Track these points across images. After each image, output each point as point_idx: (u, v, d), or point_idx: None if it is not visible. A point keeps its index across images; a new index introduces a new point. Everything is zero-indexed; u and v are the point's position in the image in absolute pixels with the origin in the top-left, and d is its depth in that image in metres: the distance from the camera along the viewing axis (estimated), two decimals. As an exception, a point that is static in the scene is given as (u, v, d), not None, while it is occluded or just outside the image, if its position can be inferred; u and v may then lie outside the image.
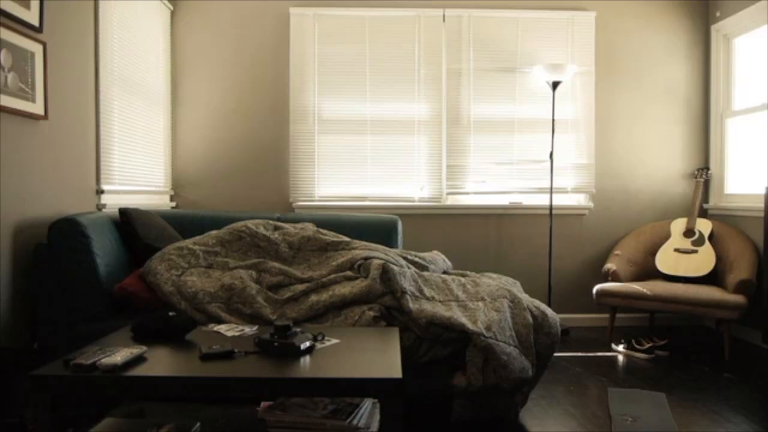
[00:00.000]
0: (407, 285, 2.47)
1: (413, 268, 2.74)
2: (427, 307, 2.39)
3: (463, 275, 2.95)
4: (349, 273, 2.60)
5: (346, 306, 2.42)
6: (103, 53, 3.20)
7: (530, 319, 2.46)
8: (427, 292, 2.53)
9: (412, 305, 2.37)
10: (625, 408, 2.59)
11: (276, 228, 2.99)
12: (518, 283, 2.89)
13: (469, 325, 2.30)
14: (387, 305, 2.42)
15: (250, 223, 2.94)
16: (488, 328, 2.33)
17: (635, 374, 3.17)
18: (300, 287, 2.53)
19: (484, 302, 2.51)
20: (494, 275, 2.95)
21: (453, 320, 2.30)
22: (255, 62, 4.23)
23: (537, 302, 2.60)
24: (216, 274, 2.59)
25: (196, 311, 2.40)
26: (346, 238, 2.95)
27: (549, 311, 2.56)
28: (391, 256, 2.73)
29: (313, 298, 2.46)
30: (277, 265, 2.67)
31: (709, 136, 4.39)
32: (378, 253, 2.71)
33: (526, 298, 2.60)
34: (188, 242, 2.74)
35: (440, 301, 2.49)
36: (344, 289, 2.47)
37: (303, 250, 2.87)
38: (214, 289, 2.46)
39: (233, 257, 2.76)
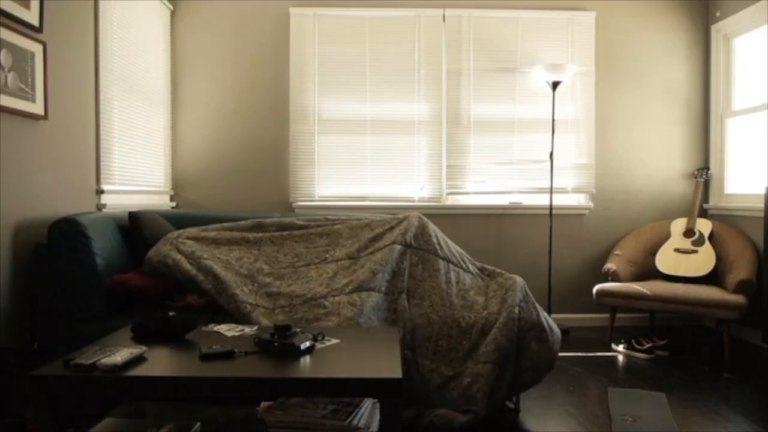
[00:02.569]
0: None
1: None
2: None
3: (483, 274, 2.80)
4: (345, 263, 2.61)
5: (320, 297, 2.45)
6: (103, 53, 3.20)
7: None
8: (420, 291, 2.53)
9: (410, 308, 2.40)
10: (625, 408, 2.59)
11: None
12: (525, 287, 2.78)
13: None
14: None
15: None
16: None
17: (635, 374, 3.17)
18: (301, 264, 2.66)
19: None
20: (506, 276, 2.77)
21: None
22: (255, 62, 4.23)
23: (540, 318, 2.46)
24: (212, 235, 2.74)
25: (190, 264, 2.51)
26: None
27: (550, 329, 2.46)
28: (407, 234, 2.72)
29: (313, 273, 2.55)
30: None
31: (709, 136, 4.39)
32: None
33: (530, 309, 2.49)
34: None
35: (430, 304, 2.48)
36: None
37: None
38: (209, 252, 2.59)
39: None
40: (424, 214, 4.27)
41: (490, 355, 2.30)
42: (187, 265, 2.50)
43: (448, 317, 2.40)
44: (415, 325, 2.37)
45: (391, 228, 2.74)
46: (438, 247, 2.68)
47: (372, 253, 2.63)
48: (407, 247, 2.64)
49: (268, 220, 2.90)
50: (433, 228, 2.75)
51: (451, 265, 2.63)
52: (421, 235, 2.69)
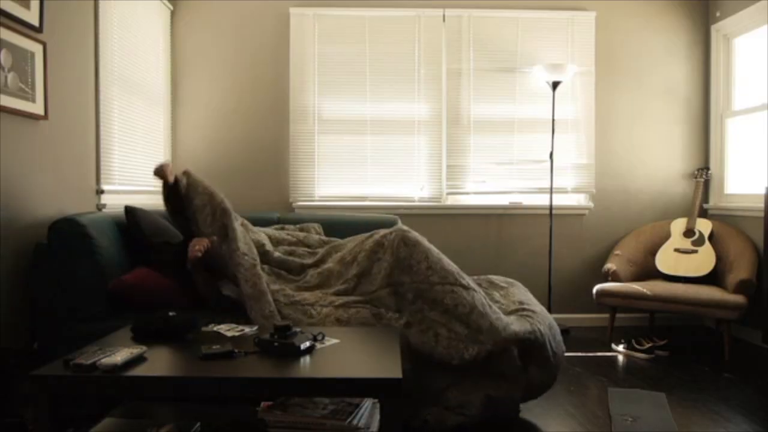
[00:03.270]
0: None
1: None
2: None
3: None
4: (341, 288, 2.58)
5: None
6: (103, 53, 3.20)
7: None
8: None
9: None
10: (625, 408, 2.59)
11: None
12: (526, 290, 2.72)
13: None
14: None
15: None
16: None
17: (635, 374, 3.17)
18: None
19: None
20: (510, 282, 2.76)
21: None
22: (255, 62, 4.23)
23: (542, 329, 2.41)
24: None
25: None
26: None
27: (553, 354, 2.41)
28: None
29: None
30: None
31: (709, 136, 4.39)
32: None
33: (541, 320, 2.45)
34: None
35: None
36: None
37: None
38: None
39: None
40: (424, 214, 4.26)
41: (496, 378, 2.29)
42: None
43: (452, 348, 2.27)
44: (418, 352, 2.27)
45: (377, 255, 2.54)
46: (431, 272, 2.40)
47: (363, 295, 2.48)
48: (399, 286, 2.43)
49: (276, 256, 2.78)
50: (423, 248, 2.46)
51: (447, 287, 2.37)
52: (409, 262, 2.43)
